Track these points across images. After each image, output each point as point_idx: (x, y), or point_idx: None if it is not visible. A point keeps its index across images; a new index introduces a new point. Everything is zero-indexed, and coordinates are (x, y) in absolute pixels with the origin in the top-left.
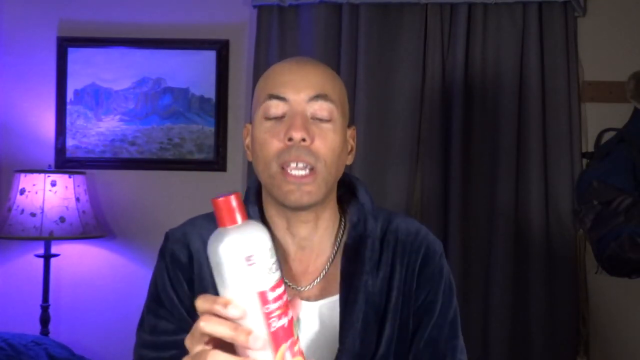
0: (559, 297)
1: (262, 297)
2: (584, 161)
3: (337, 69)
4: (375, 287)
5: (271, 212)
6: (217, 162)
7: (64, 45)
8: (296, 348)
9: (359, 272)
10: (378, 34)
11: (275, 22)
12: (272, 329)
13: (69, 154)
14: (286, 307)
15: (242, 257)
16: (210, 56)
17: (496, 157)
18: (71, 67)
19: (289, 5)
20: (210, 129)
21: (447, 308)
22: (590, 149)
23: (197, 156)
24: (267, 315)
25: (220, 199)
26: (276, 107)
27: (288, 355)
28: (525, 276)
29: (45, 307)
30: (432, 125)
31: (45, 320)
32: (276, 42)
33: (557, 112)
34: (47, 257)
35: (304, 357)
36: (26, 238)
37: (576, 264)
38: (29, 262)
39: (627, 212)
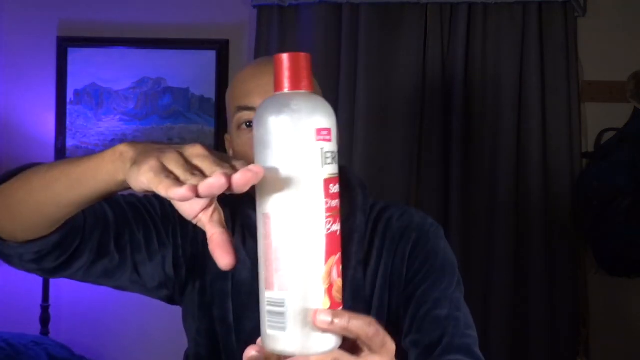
0: (559, 297)
1: (326, 185)
2: (584, 161)
3: (337, 69)
4: (363, 280)
5: None
6: None
7: (64, 45)
8: (341, 268)
9: (344, 268)
10: (378, 34)
11: (275, 22)
12: (327, 231)
13: (69, 153)
14: (338, 214)
15: (314, 128)
16: (210, 56)
17: (496, 157)
18: (71, 67)
19: (289, 5)
20: (210, 129)
21: (442, 283)
22: (590, 149)
23: None
24: (326, 212)
25: (291, 54)
26: (248, 116)
27: (335, 272)
28: (525, 276)
29: (45, 307)
30: (432, 125)
31: (45, 320)
32: (276, 42)
33: (557, 112)
34: None
35: (343, 286)
36: None
37: (576, 264)
38: None
39: (627, 212)
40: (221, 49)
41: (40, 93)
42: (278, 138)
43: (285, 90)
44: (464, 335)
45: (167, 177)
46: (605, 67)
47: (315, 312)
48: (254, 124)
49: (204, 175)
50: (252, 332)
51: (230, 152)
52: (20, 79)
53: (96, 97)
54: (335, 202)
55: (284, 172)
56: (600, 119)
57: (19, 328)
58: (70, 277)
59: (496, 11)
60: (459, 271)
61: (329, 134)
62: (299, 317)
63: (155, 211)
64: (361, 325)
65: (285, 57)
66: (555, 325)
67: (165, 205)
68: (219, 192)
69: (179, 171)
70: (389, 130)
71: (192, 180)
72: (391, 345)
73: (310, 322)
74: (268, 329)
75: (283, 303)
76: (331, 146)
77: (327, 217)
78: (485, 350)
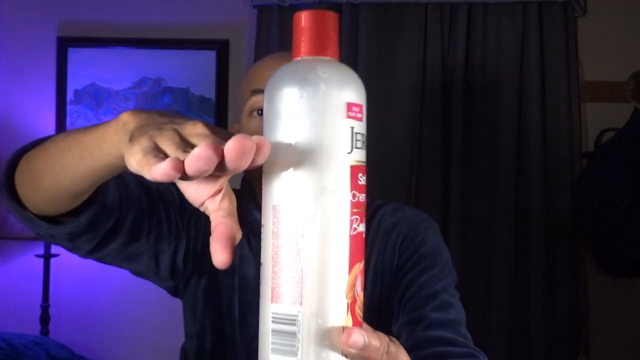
0: (559, 297)
1: (354, 174)
2: (584, 161)
3: None
4: None
5: None
6: None
7: (64, 45)
8: (364, 279)
9: None
10: (378, 34)
11: (275, 22)
12: (353, 232)
13: None
14: (365, 212)
15: (344, 101)
16: (210, 56)
17: (496, 157)
18: (71, 67)
19: (289, 5)
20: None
21: (431, 270)
22: (590, 149)
23: None
24: (352, 207)
25: (315, 11)
26: (261, 101)
27: (358, 284)
28: (525, 276)
29: (45, 307)
30: (432, 125)
31: (45, 320)
32: (276, 42)
33: (557, 112)
34: (47, 257)
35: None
36: (26, 238)
37: (576, 264)
38: (29, 262)
39: (627, 212)
40: (221, 49)
41: (40, 93)
42: (297, 111)
43: (308, 55)
44: (450, 313)
45: (155, 157)
46: (605, 67)
47: (345, 331)
48: (265, 97)
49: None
50: (256, 329)
51: None
52: (20, 79)
53: (96, 97)
54: (363, 197)
55: (302, 153)
56: (600, 119)
57: (19, 328)
58: (99, 260)
59: (496, 11)
60: (454, 267)
61: (361, 111)
62: (314, 340)
63: (174, 200)
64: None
65: (308, 15)
66: (555, 326)
67: (182, 195)
68: (208, 166)
69: (170, 149)
70: (389, 130)
71: (180, 157)
72: None
73: (328, 346)
74: (272, 354)
75: (295, 320)
76: (362, 127)
77: (353, 214)
78: (485, 351)
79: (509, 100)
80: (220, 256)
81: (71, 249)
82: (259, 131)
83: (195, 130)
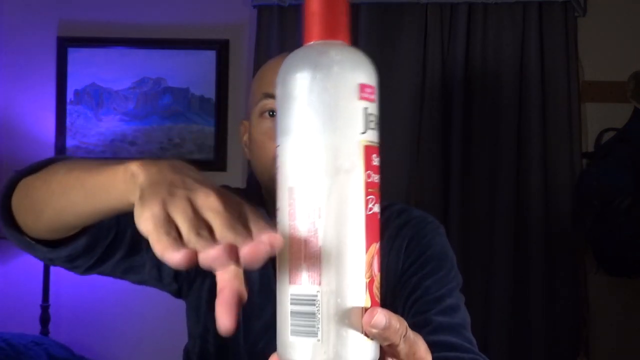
0: (559, 297)
1: (368, 154)
2: (584, 161)
3: None
4: None
5: (273, 212)
6: (217, 162)
7: (64, 45)
8: (380, 260)
9: None
10: (378, 34)
11: (275, 22)
12: (369, 212)
13: (69, 153)
14: (379, 192)
15: (356, 82)
16: (210, 56)
17: (496, 157)
18: (71, 67)
19: (289, 5)
20: (210, 129)
21: (436, 274)
22: (590, 149)
23: (197, 156)
24: (367, 187)
25: None
26: (272, 105)
27: (375, 264)
28: (525, 276)
29: (45, 307)
30: (432, 125)
31: (45, 320)
32: (276, 42)
33: (557, 112)
34: None
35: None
36: None
37: (576, 263)
38: (29, 262)
39: (627, 212)
40: (221, 49)
41: (40, 93)
42: (310, 93)
43: (319, 40)
44: (455, 317)
45: (167, 234)
46: (605, 67)
47: (366, 311)
48: (278, 81)
49: (211, 237)
50: (259, 332)
51: (245, 138)
52: (20, 79)
53: (96, 97)
54: (377, 178)
55: (317, 135)
56: (600, 119)
57: (19, 328)
58: (99, 274)
59: (496, 11)
60: (459, 269)
61: (373, 92)
62: (334, 319)
63: None
64: (415, 340)
65: (319, 0)
66: (555, 326)
67: None
68: (221, 266)
69: (184, 226)
70: (389, 130)
71: (193, 244)
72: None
73: (348, 325)
74: (292, 335)
75: (315, 300)
76: (374, 108)
77: (369, 193)
78: (485, 350)
79: (509, 100)
80: (224, 322)
81: (70, 269)
82: (269, 132)
83: (208, 203)
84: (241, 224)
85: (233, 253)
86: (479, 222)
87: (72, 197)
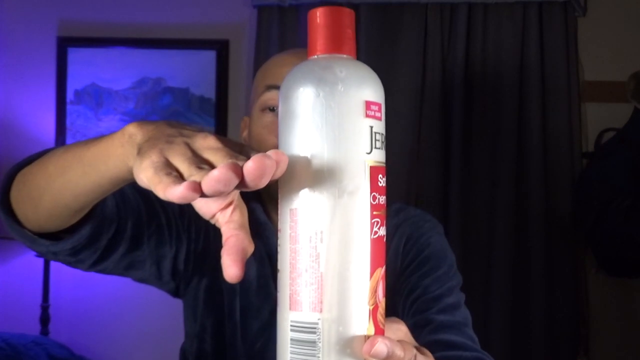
0: (559, 297)
1: (374, 175)
2: (584, 161)
3: None
4: None
5: (270, 209)
6: None
7: (64, 45)
8: (384, 285)
9: None
10: (378, 34)
11: (275, 22)
12: (374, 235)
13: None
14: (385, 214)
15: (362, 99)
16: (210, 56)
17: (496, 157)
18: (71, 67)
19: (289, 5)
20: (210, 128)
21: (435, 272)
22: (590, 149)
23: None
24: (372, 209)
25: (331, 7)
26: (275, 98)
27: (380, 290)
28: (525, 276)
29: (45, 307)
30: (432, 125)
31: (45, 320)
32: (276, 42)
33: (557, 112)
34: None
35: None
36: None
37: (576, 264)
38: (29, 262)
39: (627, 212)
40: (221, 49)
41: (40, 93)
42: (314, 112)
43: (324, 53)
44: (456, 315)
45: (168, 174)
46: (605, 67)
47: (368, 340)
48: (280, 97)
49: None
50: (257, 332)
51: (245, 134)
52: (20, 79)
53: (96, 97)
54: (384, 199)
55: (320, 154)
56: (600, 119)
57: (19, 328)
58: (101, 272)
59: (496, 11)
60: (458, 268)
61: (380, 110)
62: (335, 348)
63: (173, 203)
64: None
65: (324, 12)
66: (555, 325)
67: None
68: (227, 188)
69: (183, 166)
70: (388, 130)
71: (195, 176)
72: None
73: (350, 355)
74: None
75: (315, 328)
76: (381, 126)
77: (374, 216)
78: (485, 350)
79: (509, 100)
80: (231, 270)
81: (74, 264)
82: (269, 126)
83: (207, 143)
84: (244, 155)
85: (237, 171)
86: (478, 222)
87: (70, 175)
